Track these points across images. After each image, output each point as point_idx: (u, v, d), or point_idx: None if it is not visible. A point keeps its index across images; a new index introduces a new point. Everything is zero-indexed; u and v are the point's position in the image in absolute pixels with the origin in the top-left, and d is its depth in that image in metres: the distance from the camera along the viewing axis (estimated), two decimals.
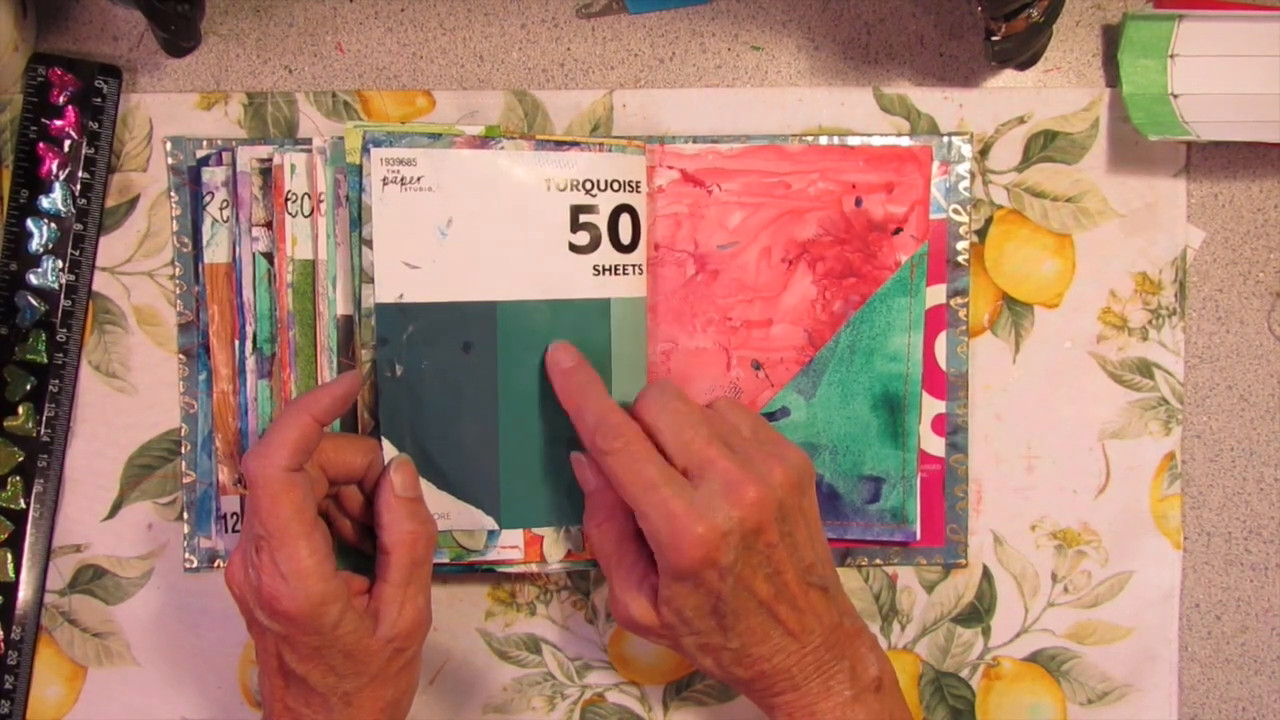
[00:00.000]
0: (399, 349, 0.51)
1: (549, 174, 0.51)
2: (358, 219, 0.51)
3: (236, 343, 0.54)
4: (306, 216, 0.52)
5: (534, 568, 0.53)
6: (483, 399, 0.52)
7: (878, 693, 0.48)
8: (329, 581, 0.45)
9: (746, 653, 0.47)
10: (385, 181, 0.50)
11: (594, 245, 0.52)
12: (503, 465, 0.52)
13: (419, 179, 0.50)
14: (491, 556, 0.53)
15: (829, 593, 0.49)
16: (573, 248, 0.51)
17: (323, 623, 0.45)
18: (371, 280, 0.51)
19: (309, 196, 0.52)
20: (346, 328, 0.52)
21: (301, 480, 0.46)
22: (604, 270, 0.52)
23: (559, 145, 0.51)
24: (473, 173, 0.51)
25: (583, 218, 0.52)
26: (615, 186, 0.52)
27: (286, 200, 0.52)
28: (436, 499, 0.52)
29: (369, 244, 0.50)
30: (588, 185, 0.51)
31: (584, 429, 0.48)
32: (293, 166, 0.52)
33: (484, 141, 0.51)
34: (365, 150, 0.50)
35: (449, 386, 0.51)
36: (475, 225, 0.51)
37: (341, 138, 0.51)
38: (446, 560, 0.52)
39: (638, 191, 0.53)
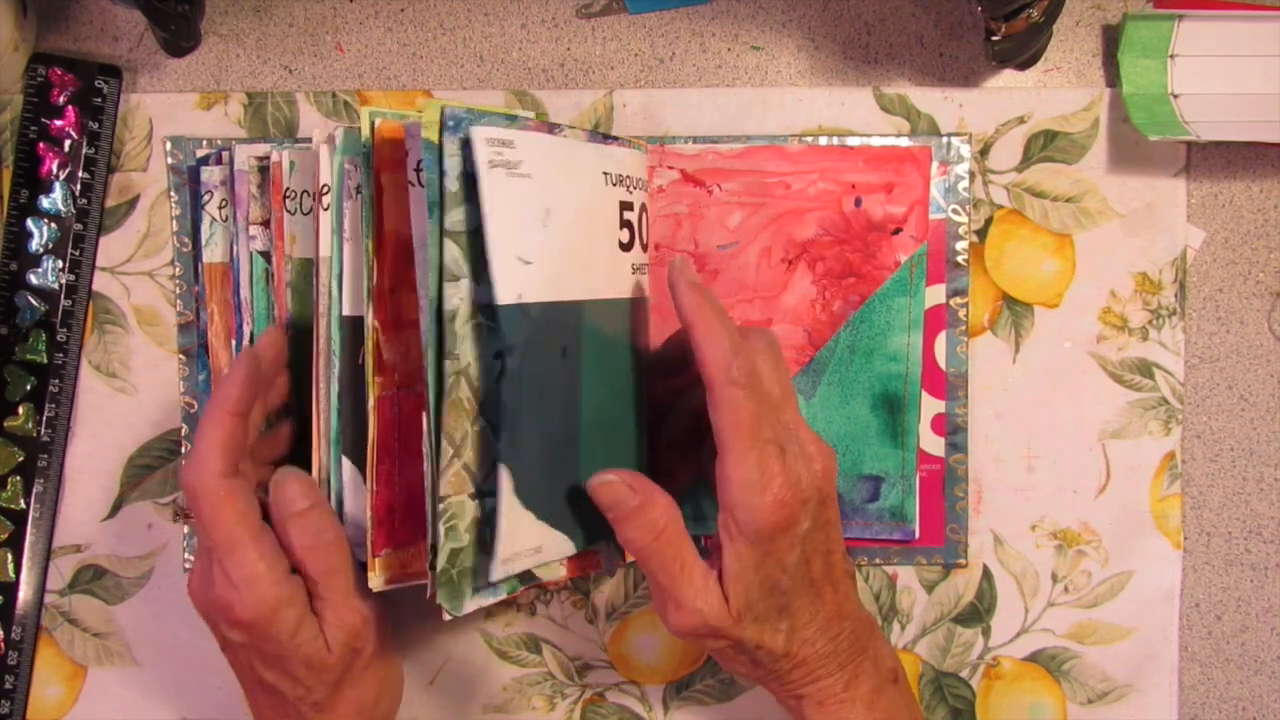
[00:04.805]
0: (516, 358, 0.44)
1: (605, 167, 0.48)
2: (439, 204, 0.43)
3: (234, 342, 0.54)
4: (306, 214, 0.51)
5: (565, 580, 0.50)
6: (569, 412, 0.46)
7: (895, 683, 0.49)
8: (281, 585, 0.44)
9: (794, 634, 0.46)
10: (491, 164, 0.43)
11: (632, 243, 0.49)
12: (581, 482, 0.46)
13: (519, 164, 0.44)
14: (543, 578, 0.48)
15: (853, 580, 0.49)
16: (620, 245, 0.48)
17: (280, 629, 0.44)
18: (458, 278, 0.43)
19: (309, 194, 0.51)
20: (353, 329, 0.48)
21: (242, 486, 0.45)
22: (637, 269, 0.50)
23: (606, 139, 0.49)
24: (560, 159, 0.45)
25: (625, 215, 0.49)
26: (641, 185, 0.51)
27: (285, 197, 0.51)
28: (532, 531, 0.46)
29: (451, 235, 0.43)
30: (628, 182, 0.49)
31: (715, 351, 0.44)
32: (291, 163, 0.51)
33: (550, 127, 0.46)
34: (446, 128, 0.43)
35: (548, 399, 0.45)
36: (566, 217, 0.46)
37: (355, 126, 0.47)
38: (504, 596, 0.46)
39: (645, 190, 0.52)
